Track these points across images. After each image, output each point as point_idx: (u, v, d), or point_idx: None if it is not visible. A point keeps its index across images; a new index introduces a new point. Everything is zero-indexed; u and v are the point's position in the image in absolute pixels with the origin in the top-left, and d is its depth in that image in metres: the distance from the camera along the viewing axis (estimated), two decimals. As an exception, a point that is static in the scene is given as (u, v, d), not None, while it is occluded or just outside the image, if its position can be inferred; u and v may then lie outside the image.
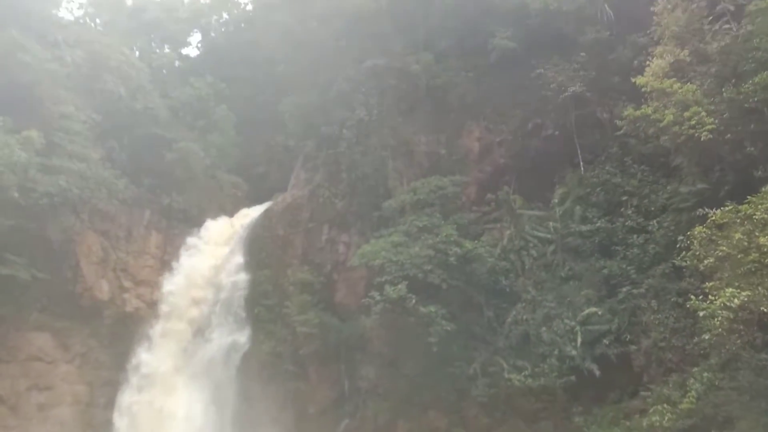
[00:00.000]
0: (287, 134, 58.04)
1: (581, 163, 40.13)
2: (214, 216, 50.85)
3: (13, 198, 38.31)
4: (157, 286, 46.50)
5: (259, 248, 47.41)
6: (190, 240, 48.97)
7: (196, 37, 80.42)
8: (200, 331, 45.56)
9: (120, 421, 42.44)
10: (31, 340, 41.71)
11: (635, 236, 34.69)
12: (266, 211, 49.62)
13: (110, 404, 42.89)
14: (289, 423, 42.34)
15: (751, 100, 29.37)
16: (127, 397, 43.11)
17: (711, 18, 33.68)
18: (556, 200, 39.18)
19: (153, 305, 45.94)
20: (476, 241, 38.81)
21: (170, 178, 50.09)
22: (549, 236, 38.07)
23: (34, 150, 40.38)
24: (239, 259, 47.43)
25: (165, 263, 47.35)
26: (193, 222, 49.71)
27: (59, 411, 41.21)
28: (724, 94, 30.73)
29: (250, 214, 50.79)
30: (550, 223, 38.22)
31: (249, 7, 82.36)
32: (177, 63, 73.48)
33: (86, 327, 43.73)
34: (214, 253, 48.37)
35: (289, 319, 42.90)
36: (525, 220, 39.56)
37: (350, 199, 46.00)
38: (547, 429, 34.31)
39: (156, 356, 44.20)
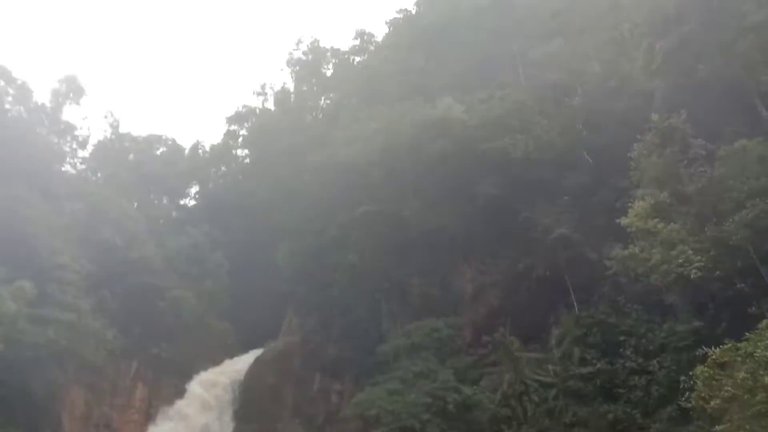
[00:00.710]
0: (281, 280, 58.32)
1: (575, 303, 40.00)
2: (204, 366, 49.36)
3: (-2, 351, 37.37)
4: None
5: (247, 402, 45.47)
6: None
7: (194, 188, 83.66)
8: None
9: None
10: (-3, 505, 38.50)
11: (637, 377, 33.64)
12: (257, 360, 48.43)
13: None
14: None
15: (734, 238, 30.14)
16: None
17: (686, 161, 35.38)
18: (553, 342, 38.52)
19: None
20: (475, 387, 37.56)
21: (160, 327, 49.55)
22: (549, 380, 36.86)
23: (25, 301, 40.12)
24: None
25: (150, 417, 45.18)
26: (181, 373, 48.19)
27: None
28: (708, 232, 31.59)
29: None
30: (550, 366, 37.23)
31: (247, 160, 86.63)
32: (174, 213, 75.66)
33: (61, 491, 40.69)
34: None
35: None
36: (524, 363, 38.56)
37: (343, 345, 45.26)
38: None
39: None
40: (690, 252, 31.16)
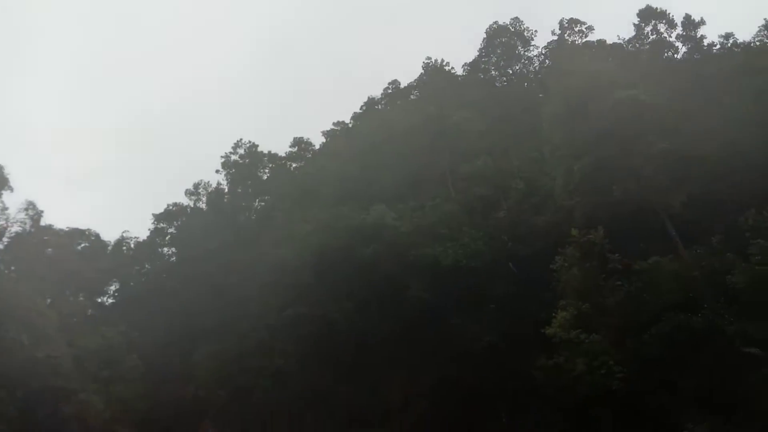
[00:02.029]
0: (198, 385, 55.31)
1: (503, 414, 39.72)
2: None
3: None
4: None
5: None
6: None
7: (114, 286, 79.99)
8: None
9: None
10: None
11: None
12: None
13: None
14: None
15: (652, 350, 31.33)
16: None
17: (604, 275, 37.20)
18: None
19: None
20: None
21: (63, 435, 45.09)
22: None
23: None
24: None
25: None
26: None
27: None
28: (627, 344, 32.75)
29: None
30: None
31: (173, 259, 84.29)
32: (90, 311, 71.51)
33: None
34: None
35: None
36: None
37: (263, 457, 42.60)
38: None
39: None
40: (611, 363, 32.10)
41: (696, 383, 30.67)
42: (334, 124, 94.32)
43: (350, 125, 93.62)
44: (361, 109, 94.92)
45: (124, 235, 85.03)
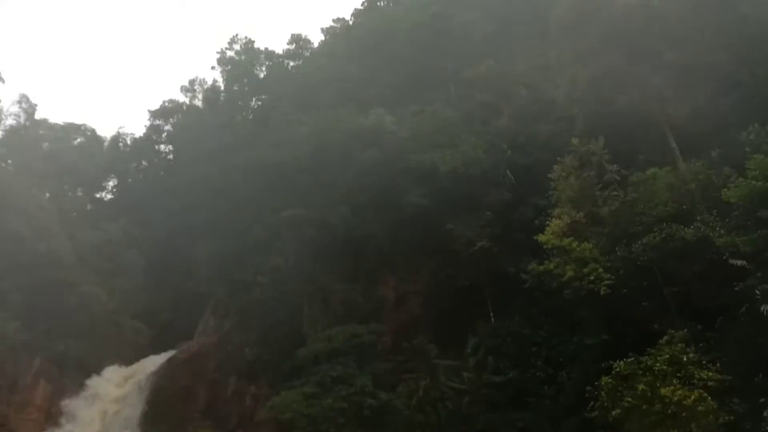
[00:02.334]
0: (198, 280, 57.01)
1: (492, 314, 41.30)
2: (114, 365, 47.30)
3: None
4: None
5: (156, 403, 43.85)
6: None
7: (112, 182, 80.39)
8: None
9: None
10: None
11: (547, 387, 35.11)
12: (169, 361, 46.93)
13: None
14: None
15: (641, 259, 32.18)
16: None
17: (600, 185, 37.55)
18: (469, 350, 39.55)
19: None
20: (392, 392, 37.88)
21: (68, 323, 47.04)
22: (464, 387, 37.81)
23: None
24: None
25: (51, 416, 42.64)
26: (89, 371, 45.94)
27: None
28: (618, 252, 33.58)
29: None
30: (465, 374, 38.18)
31: (170, 156, 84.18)
32: (89, 206, 72.37)
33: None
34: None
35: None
36: (440, 370, 39.32)
37: (261, 348, 44.52)
38: None
39: None
40: (601, 270, 33.03)
41: (681, 291, 31.71)
42: (333, 20, 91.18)
43: (351, 22, 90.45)
44: (362, 5, 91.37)
45: (121, 131, 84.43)
